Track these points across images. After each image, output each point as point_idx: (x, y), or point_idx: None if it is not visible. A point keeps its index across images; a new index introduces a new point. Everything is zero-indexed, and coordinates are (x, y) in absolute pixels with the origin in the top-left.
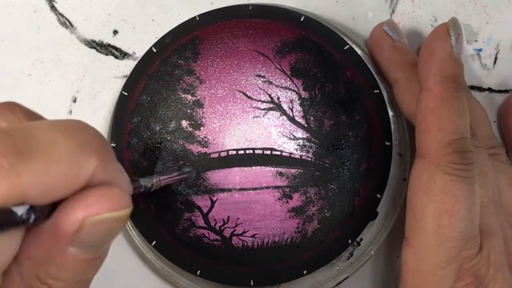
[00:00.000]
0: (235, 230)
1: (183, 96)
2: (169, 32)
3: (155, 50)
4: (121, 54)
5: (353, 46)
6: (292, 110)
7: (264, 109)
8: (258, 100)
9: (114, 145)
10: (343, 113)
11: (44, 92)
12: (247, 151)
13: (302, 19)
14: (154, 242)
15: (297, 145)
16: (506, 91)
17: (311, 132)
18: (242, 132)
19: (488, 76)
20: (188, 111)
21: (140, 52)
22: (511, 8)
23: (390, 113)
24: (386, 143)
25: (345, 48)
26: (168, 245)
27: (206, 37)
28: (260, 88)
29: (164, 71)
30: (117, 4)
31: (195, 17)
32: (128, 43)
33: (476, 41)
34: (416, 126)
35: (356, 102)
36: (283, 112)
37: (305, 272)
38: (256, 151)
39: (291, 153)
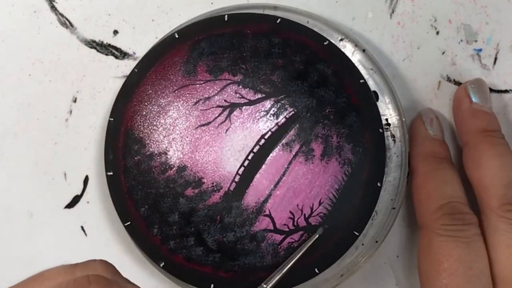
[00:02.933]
0: (305, 215)
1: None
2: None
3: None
4: (121, 54)
5: (353, 46)
6: (244, 97)
7: (225, 119)
8: (215, 118)
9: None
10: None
11: (44, 92)
12: (249, 157)
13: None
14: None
15: (274, 113)
16: (506, 91)
17: (273, 93)
18: (229, 149)
19: (488, 76)
20: (181, 181)
21: (140, 52)
22: (511, 8)
23: (387, 99)
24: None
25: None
26: None
27: (132, 117)
28: (206, 110)
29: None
30: (117, 4)
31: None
32: (128, 43)
33: (476, 41)
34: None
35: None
36: (240, 105)
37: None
38: (255, 150)
39: (277, 123)
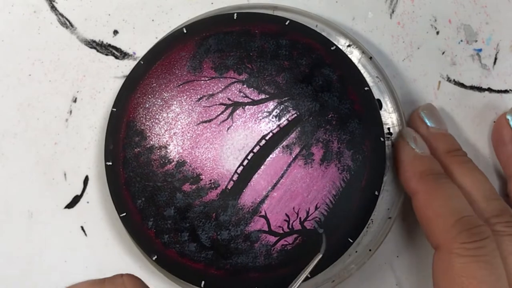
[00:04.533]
0: (300, 218)
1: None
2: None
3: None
4: (121, 54)
5: (353, 46)
6: (247, 96)
7: (228, 117)
8: (218, 116)
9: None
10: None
11: (44, 92)
12: (249, 156)
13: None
14: None
15: (277, 114)
16: (506, 91)
17: (277, 94)
18: (229, 148)
19: (488, 76)
20: (179, 176)
21: (140, 52)
22: (511, 8)
23: (390, 108)
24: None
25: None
26: None
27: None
28: (209, 107)
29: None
30: (117, 4)
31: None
32: (128, 43)
33: (476, 41)
34: (421, 227)
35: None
36: (243, 104)
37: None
38: (255, 150)
39: (279, 125)
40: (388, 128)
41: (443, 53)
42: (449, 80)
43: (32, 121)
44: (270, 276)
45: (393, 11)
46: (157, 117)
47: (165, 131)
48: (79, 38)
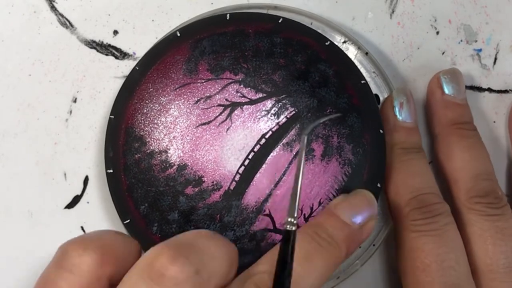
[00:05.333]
0: (305, 215)
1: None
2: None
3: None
4: (121, 54)
5: (353, 46)
6: (245, 96)
7: (226, 118)
8: (216, 117)
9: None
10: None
11: (44, 92)
12: (250, 156)
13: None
14: None
15: (275, 113)
16: (506, 91)
17: (275, 92)
18: (230, 148)
19: (488, 76)
20: (181, 179)
21: (140, 52)
22: (511, 8)
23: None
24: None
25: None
26: None
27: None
28: (207, 109)
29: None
30: (117, 4)
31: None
32: (128, 43)
33: (476, 41)
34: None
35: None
36: (241, 104)
37: None
38: (255, 149)
39: (278, 123)
40: None
41: (443, 53)
42: None
43: (32, 121)
44: None
45: (393, 11)
46: (155, 122)
47: (165, 135)
48: (79, 38)
